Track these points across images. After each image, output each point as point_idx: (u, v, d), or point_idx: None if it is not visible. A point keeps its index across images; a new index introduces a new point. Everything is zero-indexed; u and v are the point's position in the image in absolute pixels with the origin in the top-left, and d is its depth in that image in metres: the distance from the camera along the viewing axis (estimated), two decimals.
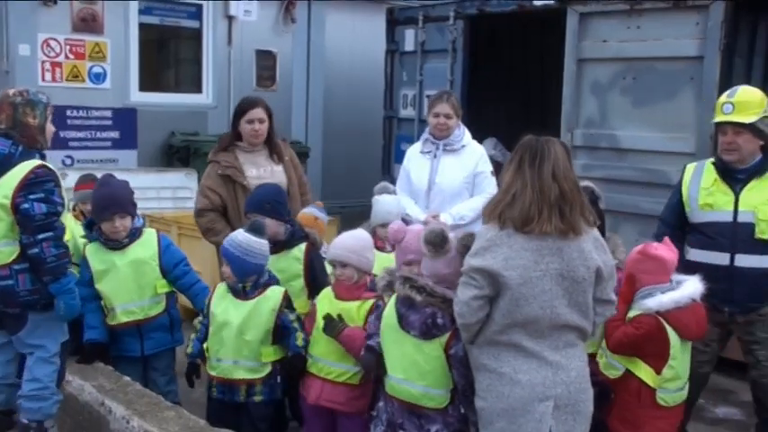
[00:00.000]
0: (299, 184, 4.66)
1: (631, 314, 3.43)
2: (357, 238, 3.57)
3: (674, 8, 5.55)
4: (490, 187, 4.65)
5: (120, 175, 7.65)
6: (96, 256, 4.02)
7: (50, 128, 3.86)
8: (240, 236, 3.64)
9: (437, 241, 3.04)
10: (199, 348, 3.74)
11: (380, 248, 4.08)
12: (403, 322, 3.11)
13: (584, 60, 6.13)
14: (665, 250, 3.48)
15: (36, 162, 3.67)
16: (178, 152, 8.32)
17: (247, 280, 3.63)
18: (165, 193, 7.92)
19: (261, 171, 4.49)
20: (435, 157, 4.75)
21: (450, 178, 4.71)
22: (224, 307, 3.64)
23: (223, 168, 4.44)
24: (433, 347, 3.06)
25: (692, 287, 3.44)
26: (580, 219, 2.84)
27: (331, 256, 3.54)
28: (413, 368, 3.08)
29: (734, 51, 5.48)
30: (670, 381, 3.40)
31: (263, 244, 3.63)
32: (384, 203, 4.44)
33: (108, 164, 8.09)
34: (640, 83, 5.82)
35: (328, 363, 3.49)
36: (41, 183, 3.62)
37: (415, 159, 4.88)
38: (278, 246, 3.87)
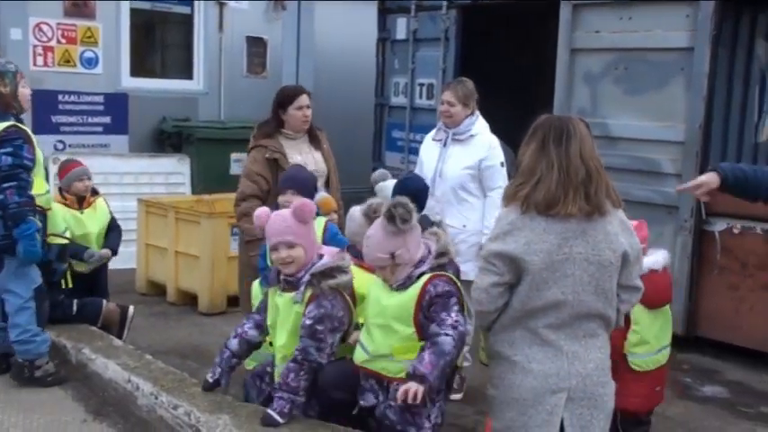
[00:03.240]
0: (335, 173, 4.78)
1: None
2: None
3: (666, 0, 5.74)
4: (501, 180, 4.64)
5: (113, 161, 7.84)
6: None
7: (24, 92, 4.31)
8: None
9: (406, 216, 3.08)
10: None
11: None
12: None
13: (576, 50, 6.27)
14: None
15: (8, 123, 4.12)
16: (170, 138, 8.36)
17: None
18: (158, 178, 7.96)
19: (304, 157, 4.57)
20: (445, 145, 4.76)
21: (452, 168, 4.70)
22: None
23: (271, 153, 4.50)
24: None
25: (651, 259, 3.59)
26: (606, 199, 2.73)
27: None
28: None
29: (719, 42, 5.68)
30: (637, 345, 3.56)
31: None
32: (388, 189, 4.52)
33: (99, 149, 8.12)
34: (632, 73, 5.99)
35: None
36: (11, 140, 4.07)
37: (427, 146, 4.91)
38: None
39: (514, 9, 7.26)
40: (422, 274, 3.15)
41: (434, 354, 3.03)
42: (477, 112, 4.83)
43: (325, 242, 3.94)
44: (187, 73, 8.82)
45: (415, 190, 4.05)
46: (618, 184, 5.79)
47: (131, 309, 5.09)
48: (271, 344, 3.52)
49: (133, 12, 8.30)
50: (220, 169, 7.98)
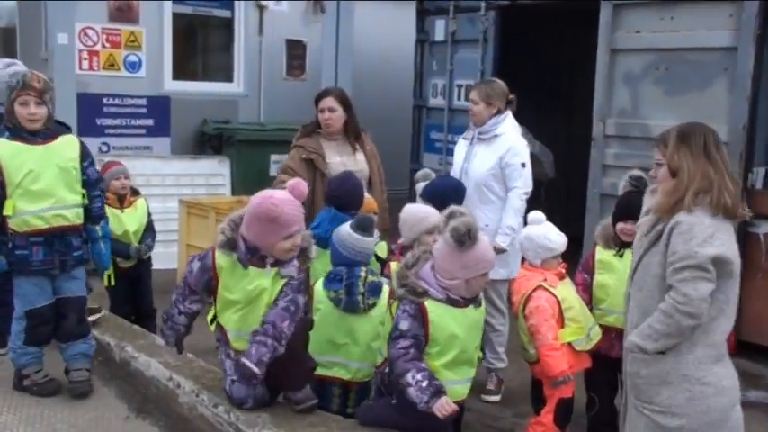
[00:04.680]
0: (378, 174, 4.81)
1: None
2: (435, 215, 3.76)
3: None
4: (519, 180, 4.68)
5: (155, 162, 7.96)
6: None
7: (20, 111, 4.03)
8: (347, 234, 3.60)
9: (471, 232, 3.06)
10: None
11: None
12: None
13: (617, 51, 6.23)
14: None
15: None
16: (210, 140, 8.48)
17: None
18: (199, 180, 8.06)
19: (344, 158, 4.62)
20: (471, 144, 4.83)
21: (476, 167, 4.75)
22: None
23: (307, 153, 4.56)
24: None
25: None
26: None
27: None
28: None
29: (763, 42, 5.58)
30: None
31: (369, 242, 3.61)
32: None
33: (142, 151, 8.26)
34: (673, 73, 5.92)
35: None
36: None
37: (458, 145, 4.99)
38: None
39: (553, 9, 7.22)
40: None
41: None
42: (508, 113, 4.82)
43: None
44: (227, 76, 8.92)
45: (443, 191, 4.17)
46: None
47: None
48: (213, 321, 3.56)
49: (175, 16, 8.43)
50: (260, 171, 8.06)
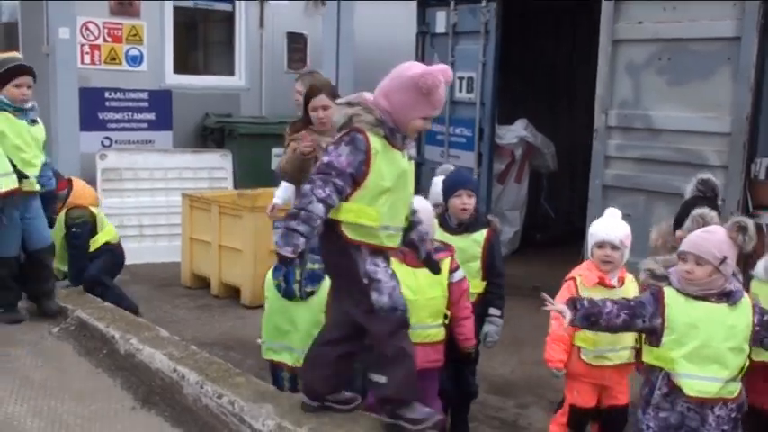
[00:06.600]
0: None
1: None
2: (426, 210, 3.71)
3: None
4: None
5: (157, 156, 7.97)
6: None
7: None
8: None
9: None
10: None
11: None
12: None
13: (619, 41, 6.19)
14: None
15: None
16: (212, 133, 8.49)
17: None
18: (202, 173, 8.09)
19: None
20: None
21: None
22: None
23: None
24: None
25: None
26: None
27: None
28: None
29: (767, 31, 5.57)
30: None
31: None
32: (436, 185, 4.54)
33: (145, 145, 8.28)
34: (676, 63, 5.89)
35: (425, 327, 3.63)
36: None
37: None
38: (461, 227, 3.99)
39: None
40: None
41: None
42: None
43: None
44: (229, 69, 8.95)
45: (470, 183, 4.16)
46: (661, 177, 5.72)
47: None
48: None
49: (176, 10, 8.46)
50: (262, 164, 8.08)
